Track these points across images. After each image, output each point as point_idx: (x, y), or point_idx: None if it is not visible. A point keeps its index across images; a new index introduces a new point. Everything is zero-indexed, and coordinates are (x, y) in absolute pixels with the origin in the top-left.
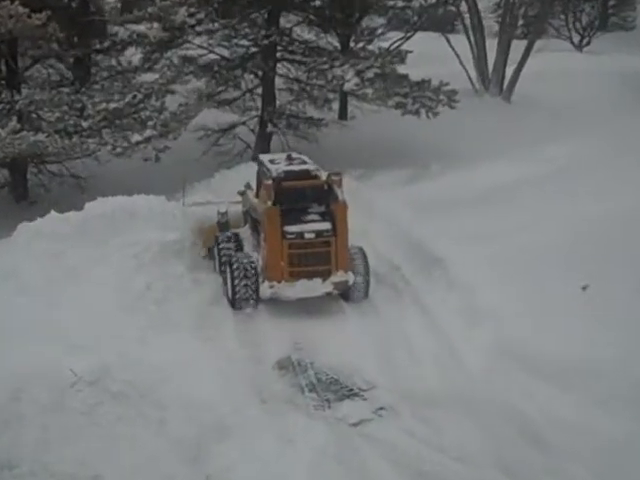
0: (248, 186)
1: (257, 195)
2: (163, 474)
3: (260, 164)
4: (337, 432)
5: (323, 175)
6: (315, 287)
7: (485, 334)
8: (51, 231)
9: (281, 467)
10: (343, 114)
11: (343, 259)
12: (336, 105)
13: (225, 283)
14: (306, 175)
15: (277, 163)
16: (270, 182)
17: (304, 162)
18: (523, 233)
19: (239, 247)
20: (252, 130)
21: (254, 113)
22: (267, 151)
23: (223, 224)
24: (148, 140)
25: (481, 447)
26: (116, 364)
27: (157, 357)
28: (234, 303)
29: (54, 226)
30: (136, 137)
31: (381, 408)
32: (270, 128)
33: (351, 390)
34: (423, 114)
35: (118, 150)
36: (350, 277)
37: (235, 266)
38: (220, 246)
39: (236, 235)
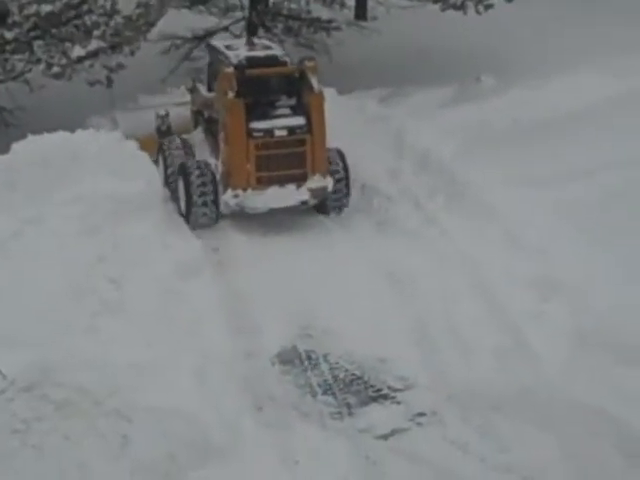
0: (198, 80)
1: (209, 90)
2: None
3: (213, 51)
4: (361, 448)
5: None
6: (288, 195)
7: (562, 312)
8: None
9: None
10: (361, 13)
11: (321, 161)
12: (352, 1)
13: (176, 198)
14: (273, 62)
15: (235, 49)
16: (231, 70)
17: (268, 47)
18: (611, 172)
19: (189, 155)
20: (237, 37)
21: (239, 14)
22: None
23: (164, 131)
24: (95, 55)
25: (562, 467)
26: (60, 363)
27: (115, 353)
28: (190, 220)
29: None
30: (78, 51)
31: (420, 414)
32: (262, 34)
33: (379, 390)
34: (471, 8)
35: (55, 70)
36: (329, 182)
37: (189, 174)
38: (167, 153)
39: (184, 141)
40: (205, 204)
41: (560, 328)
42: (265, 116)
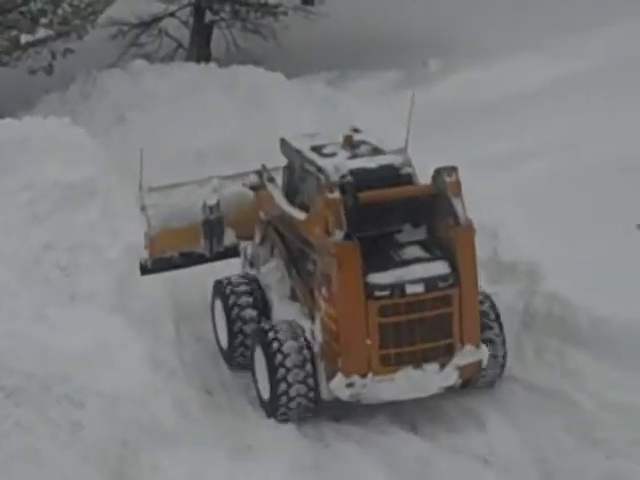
0: (266, 175)
1: (289, 201)
2: None
3: (294, 153)
4: (315, 433)
5: (417, 173)
6: (429, 379)
7: (511, 293)
8: None
9: None
10: None
11: (473, 325)
12: None
13: (253, 373)
14: (392, 176)
15: (330, 154)
16: (337, 196)
17: (377, 150)
18: (558, 154)
19: (260, 304)
20: (184, 23)
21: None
22: (206, 52)
23: (214, 222)
24: (42, 43)
25: (515, 449)
26: (9, 349)
27: (64, 339)
28: (277, 413)
29: None
30: (26, 38)
31: None
32: (210, 17)
33: None
34: None
35: (3, 58)
36: (484, 353)
37: (274, 347)
38: (230, 301)
39: (252, 279)
40: (300, 396)
41: (509, 309)
42: (389, 262)
